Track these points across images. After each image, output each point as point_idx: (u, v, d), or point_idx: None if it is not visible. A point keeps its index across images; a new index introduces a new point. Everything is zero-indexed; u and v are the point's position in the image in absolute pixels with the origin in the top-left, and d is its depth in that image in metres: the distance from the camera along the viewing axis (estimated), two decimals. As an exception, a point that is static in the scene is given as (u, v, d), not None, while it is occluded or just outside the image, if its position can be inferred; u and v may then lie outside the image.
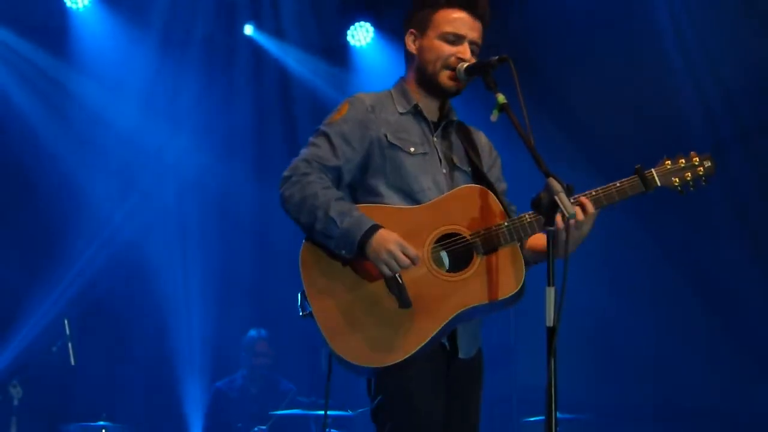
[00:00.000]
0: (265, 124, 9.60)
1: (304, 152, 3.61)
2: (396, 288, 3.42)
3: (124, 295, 8.97)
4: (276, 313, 8.64)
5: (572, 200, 3.35)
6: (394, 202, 3.58)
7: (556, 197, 3.12)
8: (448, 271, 3.50)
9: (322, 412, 7.12)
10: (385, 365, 3.41)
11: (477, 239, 3.49)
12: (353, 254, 3.43)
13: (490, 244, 3.48)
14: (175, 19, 9.02)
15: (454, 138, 3.81)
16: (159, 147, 9.21)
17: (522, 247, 3.58)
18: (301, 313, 3.51)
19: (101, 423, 7.48)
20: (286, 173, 3.57)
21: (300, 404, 7.86)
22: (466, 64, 3.63)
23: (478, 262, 3.48)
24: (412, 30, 3.77)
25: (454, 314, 3.44)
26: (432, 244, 3.49)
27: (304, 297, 3.51)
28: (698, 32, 8.39)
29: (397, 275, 3.41)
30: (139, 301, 9.03)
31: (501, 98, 3.45)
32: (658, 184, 3.59)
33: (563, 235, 3.24)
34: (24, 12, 8.71)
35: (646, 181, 3.57)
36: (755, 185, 8.16)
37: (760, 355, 8.16)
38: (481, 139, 3.89)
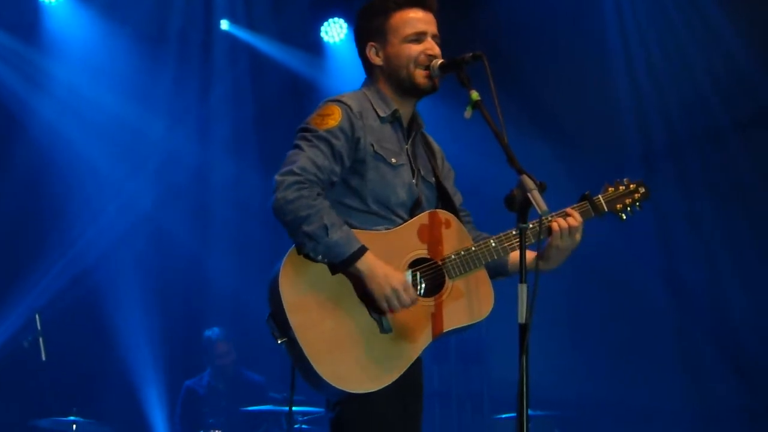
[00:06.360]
0: (241, 121, 9.61)
1: (303, 156, 3.46)
2: (377, 314, 3.45)
3: (98, 290, 8.92)
4: (246, 306, 8.53)
5: (555, 213, 3.55)
6: (372, 209, 3.57)
7: (529, 194, 3.13)
8: (420, 295, 3.53)
9: (294, 408, 7.21)
10: (375, 389, 3.40)
11: (448, 263, 3.55)
12: (333, 264, 3.42)
13: (460, 268, 3.55)
14: (149, 14, 8.99)
15: (421, 147, 3.83)
16: (132, 138, 9.18)
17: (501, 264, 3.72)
18: (278, 341, 3.45)
19: (72, 418, 7.44)
20: (283, 176, 3.43)
21: (272, 400, 7.85)
22: (439, 61, 3.62)
23: (450, 286, 3.55)
24: (371, 43, 3.72)
25: (434, 337, 3.50)
26: (405, 268, 3.52)
27: (279, 323, 3.43)
28: (643, 42, 8.53)
29: None
30: (112, 297, 8.97)
31: (474, 95, 3.45)
32: (606, 210, 3.74)
33: (556, 242, 3.55)
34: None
35: (596, 207, 3.72)
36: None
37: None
38: (436, 148, 3.91)
